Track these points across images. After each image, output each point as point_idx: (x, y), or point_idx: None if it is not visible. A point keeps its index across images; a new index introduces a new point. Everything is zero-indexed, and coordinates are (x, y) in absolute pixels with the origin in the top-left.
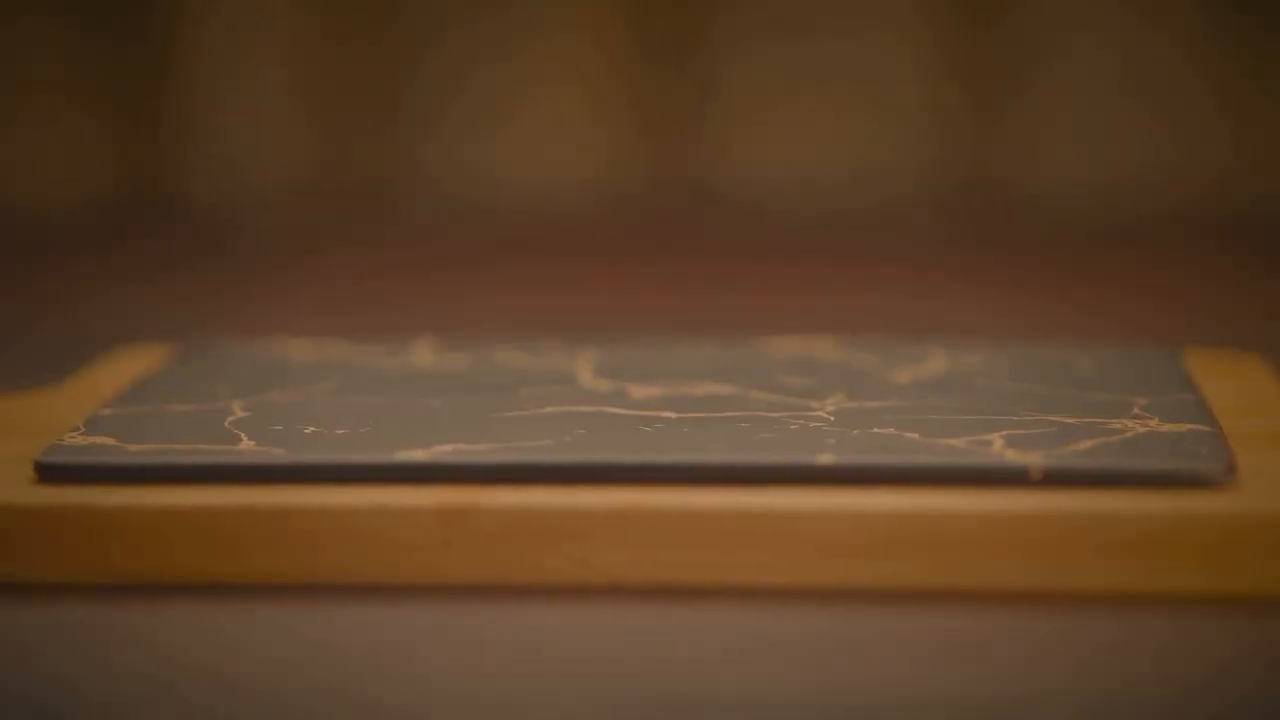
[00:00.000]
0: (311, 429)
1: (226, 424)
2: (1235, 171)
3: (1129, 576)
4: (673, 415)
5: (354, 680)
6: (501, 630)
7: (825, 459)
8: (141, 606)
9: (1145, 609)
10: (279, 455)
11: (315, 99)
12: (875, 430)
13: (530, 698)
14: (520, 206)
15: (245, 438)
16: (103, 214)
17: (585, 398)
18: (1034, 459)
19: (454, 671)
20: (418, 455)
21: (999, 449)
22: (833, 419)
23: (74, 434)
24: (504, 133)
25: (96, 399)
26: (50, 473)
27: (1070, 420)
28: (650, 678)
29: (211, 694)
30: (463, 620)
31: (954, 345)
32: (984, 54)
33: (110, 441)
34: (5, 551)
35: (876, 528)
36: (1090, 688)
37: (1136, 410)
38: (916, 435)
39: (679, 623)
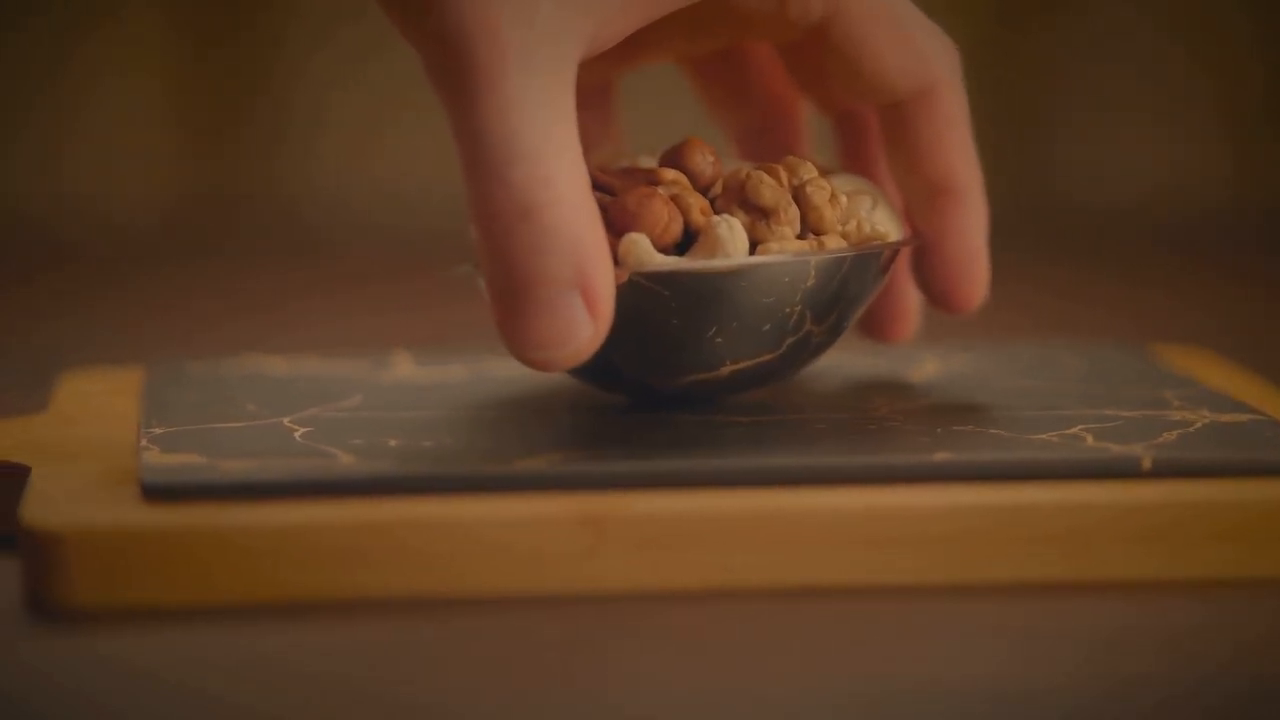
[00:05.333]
0: (394, 442)
1: (298, 438)
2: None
3: (1253, 562)
4: (744, 420)
5: (503, 692)
6: (648, 636)
7: (942, 456)
8: (271, 626)
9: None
10: (389, 468)
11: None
12: (955, 428)
13: (685, 702)
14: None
15: (338, 452)
16: None
17: (639, 404)
18: (1140, 451)
19: (604, 678)
20: (539, 465)
21: (1092, 442)
22: (902, 418)
23: (149, 451)
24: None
25: (110, 422)
26: (159, 492)
27: (1127, 414)
28: (804, 675)
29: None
30: (611, 627)
31: (933, 347)
32: None
33: (200, 459)
34: (123, 575)
35: (1010, 523)
36: (1232, 671)
37: (1176, 403)
38: (1002, 431)
39: (827, 621)
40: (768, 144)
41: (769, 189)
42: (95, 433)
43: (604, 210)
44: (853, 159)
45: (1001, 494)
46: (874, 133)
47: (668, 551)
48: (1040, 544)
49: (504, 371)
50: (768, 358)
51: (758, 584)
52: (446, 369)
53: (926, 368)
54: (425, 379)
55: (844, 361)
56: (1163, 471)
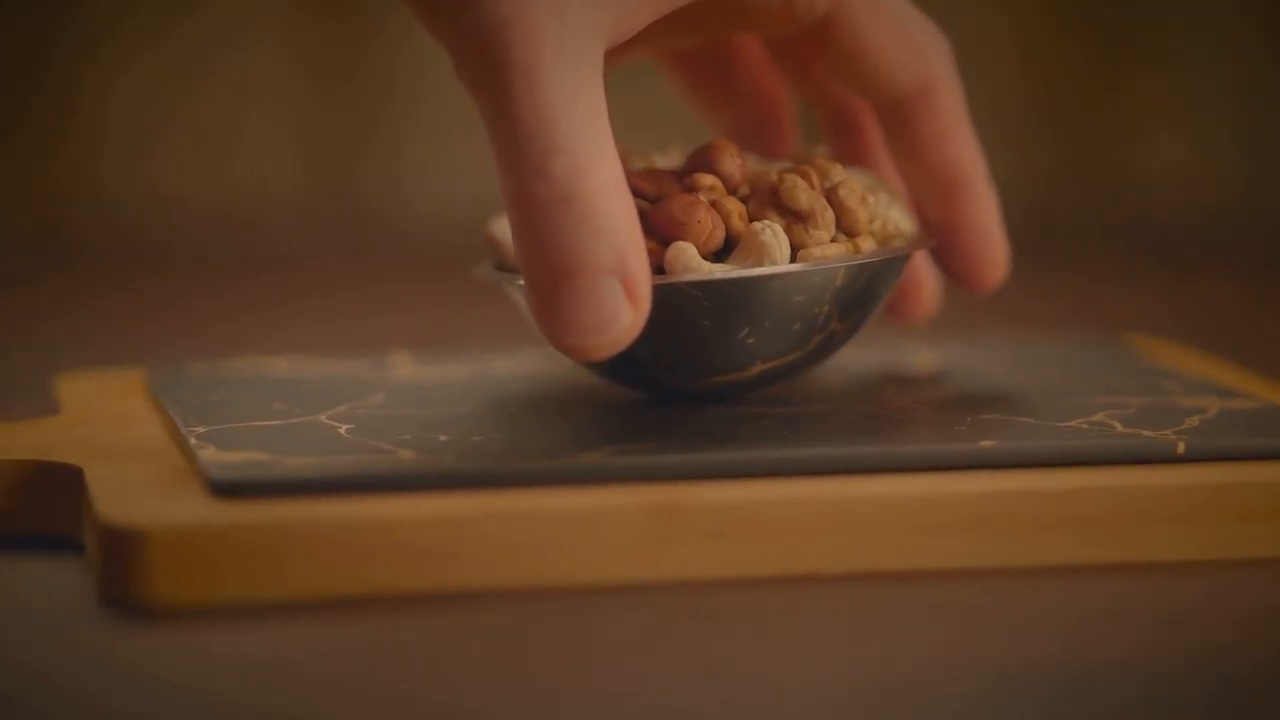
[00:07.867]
0: (444, 437)
1: (344, 434)
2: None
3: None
4: (773, 411)
5: (573, 682)
6: (720, 623)
7: (988, 444)
8: (346, 621)
9: None
10: (456, 463)
11: None
12: (983, 417)
13: (752, 689)
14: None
15: (394, 448)
16: None
17: (660, 400)
18: (1171, 436)
19: (675, 666)
20: (602, 457)
21: (1122, 429)
22: (924, 409)
23: (205, 450)
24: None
25: (123, 423)
26: (230, 489)
27: (1138, 402)
28: (867, 657)
29: (428, 710)
30: (679, 615)
31: (922, 342)
32: None
33: (263, 456)
34: (204, 571)
35: (1060, 508)
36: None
37: (1178, 391)
38: (1030, 420)
39: (891, 606)
40: (755, 140)
41: (804, 193)
42: (118, 434)
43: (643, 216)
44: (846, 151)
45: (1051, 479)
46: (867, 125)
47: (736, 540)
48: (1085, 527)
49: (508, 370)
50: (794, 356)
51: (822, 570)
52: (451, 367)
53: (921, 362)
54: (437, 377)
55: (841, 356)
56: (1197, 456)
